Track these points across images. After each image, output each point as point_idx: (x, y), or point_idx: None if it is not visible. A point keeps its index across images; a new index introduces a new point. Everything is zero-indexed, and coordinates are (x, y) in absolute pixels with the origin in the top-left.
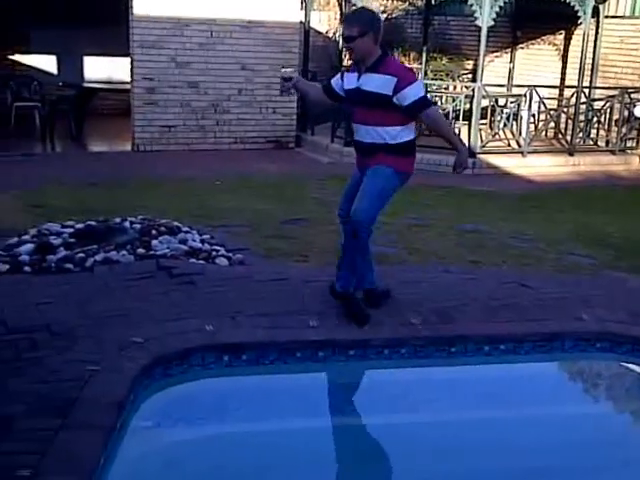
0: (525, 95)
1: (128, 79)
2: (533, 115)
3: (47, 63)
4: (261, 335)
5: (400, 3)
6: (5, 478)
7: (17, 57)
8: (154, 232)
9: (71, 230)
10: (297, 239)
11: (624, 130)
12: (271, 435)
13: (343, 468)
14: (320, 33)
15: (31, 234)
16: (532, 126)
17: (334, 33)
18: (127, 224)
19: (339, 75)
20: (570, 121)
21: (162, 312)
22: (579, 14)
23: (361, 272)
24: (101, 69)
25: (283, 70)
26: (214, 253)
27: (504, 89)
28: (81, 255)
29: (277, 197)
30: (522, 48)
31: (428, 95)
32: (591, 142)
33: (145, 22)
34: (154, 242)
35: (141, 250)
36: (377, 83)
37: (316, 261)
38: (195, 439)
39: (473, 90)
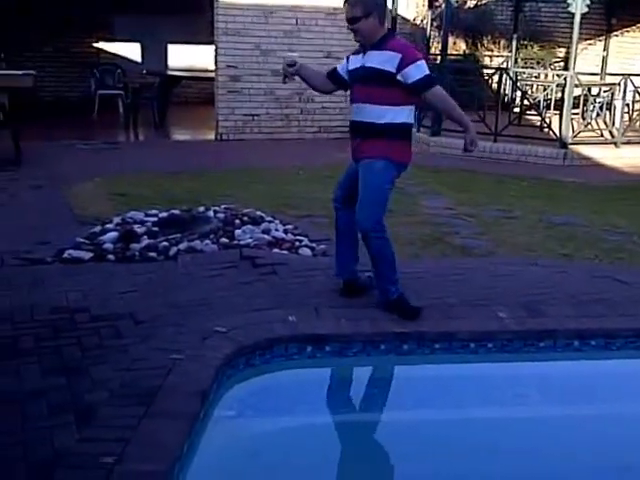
0: (619, 84)
1: (212, 67)
2: (627, 105)
3: (131, 51)
4: (345, 327)
5: None
6: (89, 464)
7: (101, 45)
8: (237, 221)
9: (155, 219)
10: None
11: None
12: (355, 427)
13: (423, 462)
14: (407, 20)
15: (115, 222)
16: (626, 116)
17: (422, 20)
18: (211, 213)
19: (345, 59)
20: None
21: (245, 302)
22: None
23: (344, 260)
24: (185, 57)
25: (288, 54)
26: (297, 243)
27: (597, 78)
28: (165, 244)
29: None
30: (616, 36)
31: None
32: None
33: (230, 9)
34: (237, 232)
35: (224, 239)
36: (380, 59)
37: (399, 253)
38: (278, 430)
39: (565, 79)
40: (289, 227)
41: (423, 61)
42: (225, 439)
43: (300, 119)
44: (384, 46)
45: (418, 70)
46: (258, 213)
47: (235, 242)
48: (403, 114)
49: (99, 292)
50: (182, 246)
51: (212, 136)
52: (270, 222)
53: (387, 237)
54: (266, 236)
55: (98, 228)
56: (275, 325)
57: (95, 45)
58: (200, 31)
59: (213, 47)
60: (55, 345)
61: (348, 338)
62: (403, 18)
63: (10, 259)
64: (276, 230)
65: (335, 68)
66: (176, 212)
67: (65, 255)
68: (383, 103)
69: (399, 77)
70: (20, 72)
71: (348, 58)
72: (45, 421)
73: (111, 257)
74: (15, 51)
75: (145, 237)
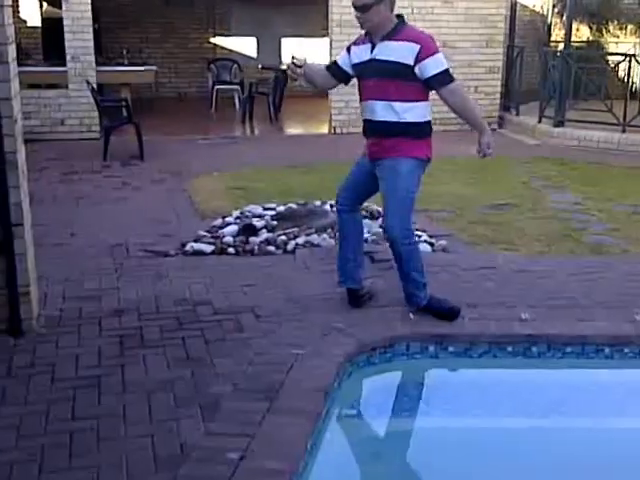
0: None
1: (326, 61)
2: None
3: (247, 46)
4: (469, 326)
5: None
6: (215, 459)
7: (218, 40)
8: None
9: (273, 212)
10: (503, 225)
11: None
12: (477, 433)
13: (545, 473)
14: (526, 7)
15: (234, 216)
16: None
17: (542, 6)
18: (327, 207)
19: (345, 51)
20: None
21: None
22: None
23: (350, 267)
24: (299, 51)
25: (295, 58)
26: (416, 238)
27: None
28: (283, 238)
29: (480, 181)
30: None
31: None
32: None
33: (345, 0)
34: None
35: None
36: (396, 51)
37: (526, 249)
38: (399, 431)
39: None
40: None
41: (441, 54)
42: (346, 438)
43: None
44: (400, 36)
45: (436, 64)
46: (375, 207)
47: None
48: (422, 110)
49: (220, 285)
50: (300, 240)
51: (326, 130)
52: None
53: (415, 241)
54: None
55: (218, 221)
56: (396, 323)
57: (212, 40)
58: (314, 24)
59: (327, 40)
60: (180, 337)
61: (472, 338)
62: (522, 5)
63: (136, 251)
64: None
65: (335, 62)
66: (293, 206)
67: (187, 248)
68: (401, 99)
69: (416, 70)
70: (142, 68)
71: (349, 49)
72: (171, 413)
73: (231, 250)
74: (137, 47)
75: (264, 231)
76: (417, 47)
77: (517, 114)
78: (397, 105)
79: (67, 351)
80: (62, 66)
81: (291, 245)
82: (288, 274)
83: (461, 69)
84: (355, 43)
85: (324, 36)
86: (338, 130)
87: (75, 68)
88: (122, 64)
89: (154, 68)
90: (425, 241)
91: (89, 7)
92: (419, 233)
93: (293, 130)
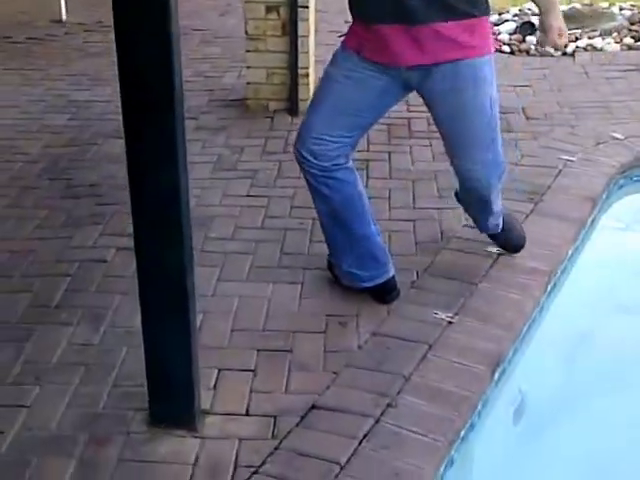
0: None
1: None
2: None
3: None
4: None
5: None
6: (474, 250)
7: None
8: None
9: None
10: None
11: None
12: None
13: None
14: None
15: (512, 13)
16: None
17: None
18: (615, 9)
19: None
20: None
21: None
22: None
23: (376, 250)
24: None
25: None
26: None
27: None
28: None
29: None
30: None
31: None
32: None
33: None
34: None
35: (629, 40)
36: None
37: None
38: None
39: None
40: None
41: None
42: (610, 250)
43: None
44: None
45: None
46: None
47: None
48: None
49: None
50: (581, 43)
51: None
52: None
53: None
54: None
55: (494, 18)
56: None
57: None
58: None
59: None
60: None
61: None
62: None
63: None
64: None
65: None
66: (577, 5)
67: None
68: None
69: None
70: None
71: None
72: (434, 202)
73: (506, 49)
74: None
75: None
76: None
77: None
78: None
79: None
80: None
81: (571, 47)
82: (565, 78)
83: None
84: None
85: None
86: None
87: None
88: None
89: None
90: None
91: None
92: None
93: None
